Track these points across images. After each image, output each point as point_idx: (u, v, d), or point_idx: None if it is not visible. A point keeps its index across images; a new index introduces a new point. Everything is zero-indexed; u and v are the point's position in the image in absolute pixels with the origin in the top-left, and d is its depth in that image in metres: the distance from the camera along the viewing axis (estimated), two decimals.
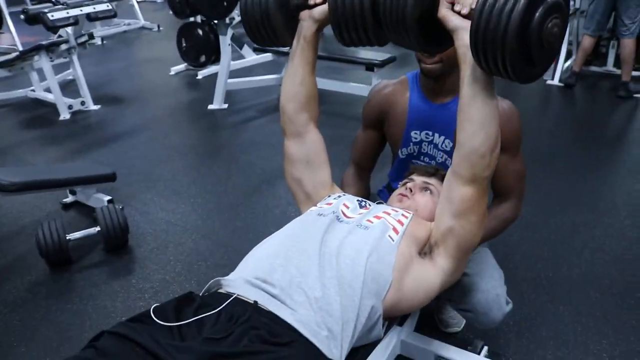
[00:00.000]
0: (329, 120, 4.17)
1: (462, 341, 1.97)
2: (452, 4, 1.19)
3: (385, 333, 1.45)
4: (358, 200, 1.51)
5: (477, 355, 1.83)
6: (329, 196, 1.54)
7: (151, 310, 1.14)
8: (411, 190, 1.57)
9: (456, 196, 1.31)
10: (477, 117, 1.22)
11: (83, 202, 2.98)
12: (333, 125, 4.07)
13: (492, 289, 1.65)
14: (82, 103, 4.48)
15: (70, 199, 3.01)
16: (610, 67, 5.22)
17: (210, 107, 4.52)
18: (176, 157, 3.61)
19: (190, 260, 2.49)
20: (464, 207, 1.32)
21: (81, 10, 4.05)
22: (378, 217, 1.40)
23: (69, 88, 4.86)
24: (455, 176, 1.30)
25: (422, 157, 1.80)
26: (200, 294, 1.27)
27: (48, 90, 4.48)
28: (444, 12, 1.20)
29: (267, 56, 4.60)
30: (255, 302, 1.16)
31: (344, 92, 4.40)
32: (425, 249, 1.40)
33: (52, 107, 4.43)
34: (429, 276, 1.37)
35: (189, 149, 3.79)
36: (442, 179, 1.62)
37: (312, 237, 1.30)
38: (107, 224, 2.51)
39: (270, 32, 1.47)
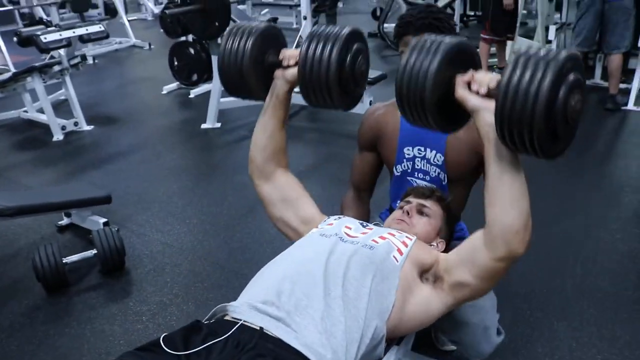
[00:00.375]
0: (323, 138, 4.22)
1: (458, 359, 1.99)
2: (469, 84, 1.20)
3: (385, 353, 1.48)
4: (359, 222, 1.54)
5: None
6: (329, 217, 1.58)
7: (161, 339, 1.16)
8: (408, 213, 1.60)
9: (483, 265, 1.30)
10: (508, 195, 1.21)
11: (78, 224, 2.98)
12: (327, 143, 4.11)
13: (481, 322, 1.68)
14: (76, 124, 4.49)
15: (65, 221, 3.01)
16: (597, 79, 5.30)
17: (203, 126, 4.54)
18: (171, 177, 3.63)
19: (187, 282, 2.50)
20: (487, 275, 1.32)
21: (74, 32, 4.07)
22: (383, 238, 1.42)
23: (61, 108, 4.86)
24: (487, 248, 1.28)
25: (416, 172, 1.84)
26: (205, 320, 1.29)
27: (41, 111, 4.48)
28: (462, 92, 1.20)
29: None
30: (261, 328, 1.18)
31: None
32: (429, 276, 1.41)
33: (45, 128, 4.44)
34: (429, 303, 1.38)
35: (184, 170, 3.81)
36: (438, 200, 1.65)
37: (317, 259, 1.33)
38: (103, 247, 2.51)
39: (245, 88, 1.53)
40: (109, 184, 3.45)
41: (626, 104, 4.72)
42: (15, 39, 4.14)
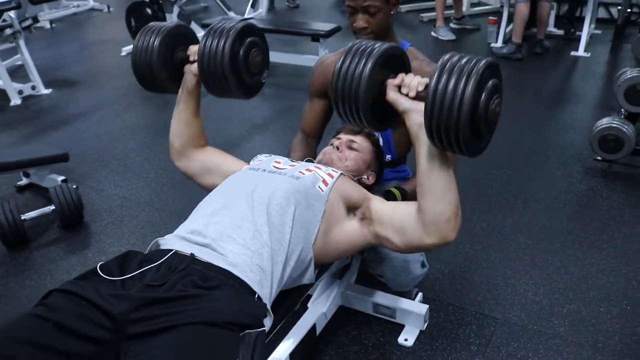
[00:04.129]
0: (278, 92, 4.26)
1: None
2: (399, 87, 1.30)
3: (317, 279, 1.60)
4: (288, 158, 1.65)
5: (411, 301, 1.99)
6: (260, 155, 1.68)
7: (98, 267, 1.26)
8: (338, 148, 1.70)
9: (412, 239, 1.40)
10: (438, 188, 1.31)
11: (38, 183, 3.02)
12: (282, 96, 4.16)
13: (401, 256, 1.81)
14: (33, 87, 4.45)
15: (24, 181, 3.04)
16: (551, 27, 5.39)
17: None
18: (129, 135, 3.66)
19: (144, 232, 2.58)
20: (414, 248, 1.45)
21: None
22: (309, 170, 1.53)
23: (19, 73, 4.80)
24: (420, 229, 1.37)
25: None
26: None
27: None
28: (393, 95, 1.30)
29: None
30: (192, 254, 1.29)
31: (293, 64, 4.49)
32: (357, 213, 1.51)
33: (2, 94, 4.39)
34: (353, 234, 1.50)
35: (141, 128, 3.83)
36: (366, 136, 1.76)
37: (245, 189, 1.44)
38: (60, 202, 2.57)
39: (157, 84, 1.68)
40: (68, 144, 3.46)
41: (549, 48, 4.94)
42: None
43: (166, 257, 1.28)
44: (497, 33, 5.09)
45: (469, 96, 1.13)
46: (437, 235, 1.36)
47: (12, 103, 4.31)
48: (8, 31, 4.16)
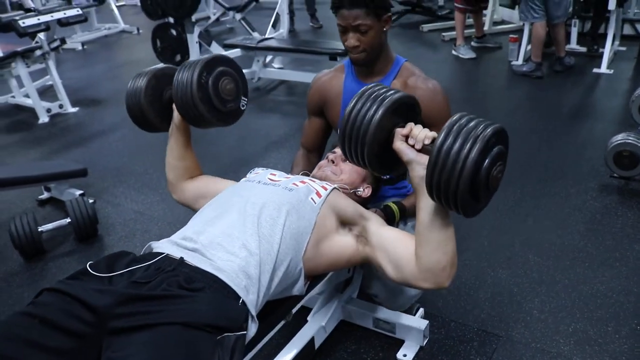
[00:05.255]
0: (296, 110, 4.32)
1: None
2: (407, 138, 1.32)
3: (307, 292, 1.61)
4: (283, 173, 1.68)
5: (411, 316, 1.98)
6: (257, 168, 1.72)
7: (87, 265, 1.31)
8: (333, 162, 1.73)
9: (407, 277, 1.41)
10: (435, 240, 1.33)
11: (58, 197, 3.12)
12: (300, 114, 4.16)
13: None
14: (60, 106, 4.62)
15: (45, 195, 3.15)
16: (574, 45, 5.34)
17: None
18: (149, 152, 3.76)
19: None
20: (407, 284, 1.45)
21: (52, 16, 4.18)
22: (303, 182, 1.56)
23: (49, 93, 4.99)
24: (416, 272, 1.38)
25: None
26: None
27: (28, 95, 4.62)
28: (399, 145, 1.31)
29: (237, 51, 4.74)
30: (182, 257, 1.33)
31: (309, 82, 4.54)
32: (353, 229, 1.52)
33: (32, 112, 4.56)
34: (346, 249, 1.52)
35: (160, 144, 3.83)
36: None
37: (239, 200, 1.48)
38: (76, 215, 2.65)
39: (148, 123, 1.80)
40: (90, 160, 3.58)
41: (572, 65, 4.89)
42: None
43: (156, 259, 1.32)
44: (518, 51, 5.06)
45: (471, 161, 1.14)
46: (431, 281, 1.37)
47: (40, 121, 4.48)
48: (38, 52, 4.34)
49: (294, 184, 1.54)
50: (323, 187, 1.55)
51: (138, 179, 3.37)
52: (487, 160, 1.18)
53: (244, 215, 1.42)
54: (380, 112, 1.28)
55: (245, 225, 1.39)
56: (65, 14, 4.31)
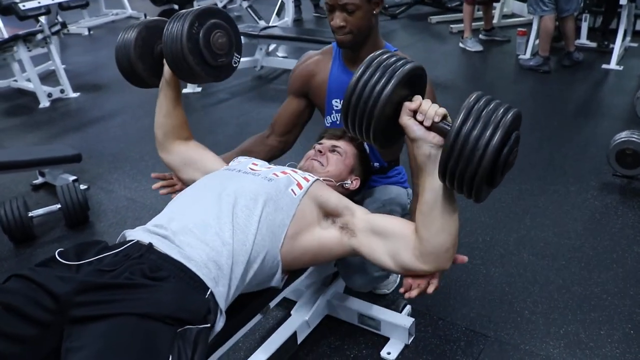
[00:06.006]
0: None
1: (392, 302, 2.06)
2: (415, 113, 1.23)
3: (286, 285, 1.57)
4: (266, 162, 1.64)
5: (397, 313, 1.94)
6: (240, 157, 1.68)
7: (56, 253, 1.28)
8: (321, 152, 1.68)
9: (406, 263, 1.35)
10: (440, 221, 1.27)
11: (52, 182, 3.10)
12: None
13: (357, 259, 1.73)
14: (62, 91, 4.59)
15: (40, 180, 3.14)
16: (584, 40, 5.24)
17: (184, 90, 4.61)
18: (146, 138, 3.71)
19: None
20: (405, 271, 1.38)
21: (52, 0, 4.15)
22: (284, 173, 1.51)
23: (51, 78, 4.97)
24: (416, 256, 1.33)
25: None
26: None
27: (30, 80, 4.60)
28: (406, 120, 1.22)
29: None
30: (150, 244, 1.29)
31: None
32: (337, 221, 1.45)
33: (33, 96, 4.55)
34: (330, 241, 1.45)
35: None
36: (349, 140, 1.73)
37: (215, 188, 1.43)
38: (66, 201, 2.63)
39: (137, 77, 1.73)
40: (87, 145, 3.57)
41: (580, 60, 4.80)
42: None
43: (126, 245, 1.29)
44: (526, 45, 4.97)
45: (493, 149, 1.09)
46: (433, 263, 1.32)
47: (40, 105, 4.46)
48: (39, 36, 4.31)
49: (274, 174, 1.50)
50: (305, 178, 1.50)
51: (133, 165, 3.34)
52: (506, 148, 1.12)
53: (219, 203, 1.37)
54: (391, 84, 1.18)
55: (220, 214, 1.35)
56: None
